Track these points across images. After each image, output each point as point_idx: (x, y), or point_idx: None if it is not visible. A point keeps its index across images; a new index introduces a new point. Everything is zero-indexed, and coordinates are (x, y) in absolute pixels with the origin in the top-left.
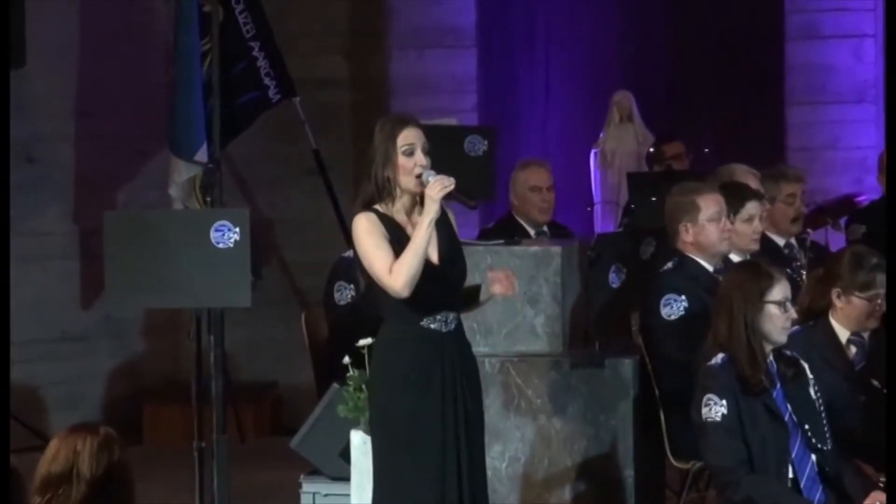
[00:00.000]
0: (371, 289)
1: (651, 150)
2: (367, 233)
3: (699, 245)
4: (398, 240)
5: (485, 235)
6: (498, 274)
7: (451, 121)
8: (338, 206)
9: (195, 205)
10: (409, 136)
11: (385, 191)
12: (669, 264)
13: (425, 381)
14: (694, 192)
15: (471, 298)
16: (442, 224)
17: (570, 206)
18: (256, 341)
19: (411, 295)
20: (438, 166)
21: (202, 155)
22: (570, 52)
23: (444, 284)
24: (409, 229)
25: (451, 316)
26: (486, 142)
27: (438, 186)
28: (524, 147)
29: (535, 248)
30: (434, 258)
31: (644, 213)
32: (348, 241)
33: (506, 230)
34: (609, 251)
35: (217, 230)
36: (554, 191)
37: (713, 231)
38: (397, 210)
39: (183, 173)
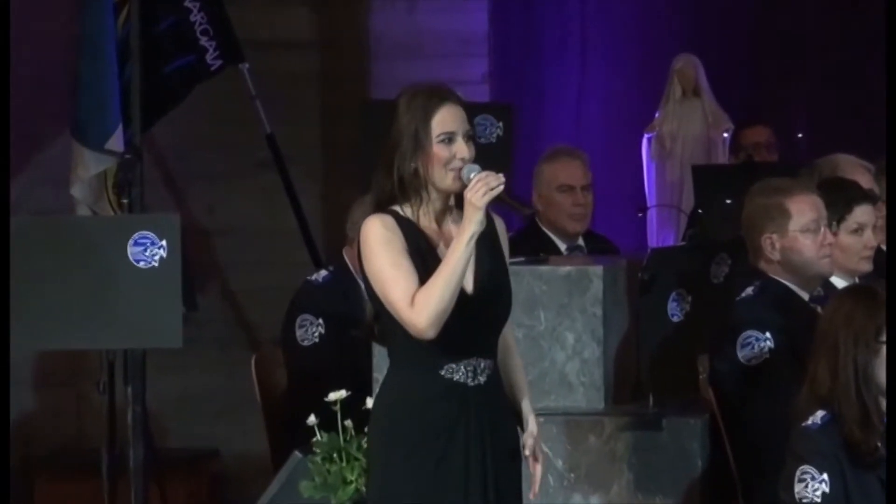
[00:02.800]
0: (380, 319)
1: (725, 134)
2: (381, 243)
3: (790, 264)
4: (421, 255)
5: None
6: (537, 452)
7: None
8: (300, 212)
9: (107, 209)
10: (447, 118)
11: (411, 189)
12: (749, 290)
13: (442, 451)
14: (782, 192)
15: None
16: (484, 238)
17: (614, 211)
18: (190, 395)
19: None
20: None
21: (116, 142)
22: (615, 3)
23: (478, 321)
24: (437, 242)
25: (484, 364)
26: (500, 124)
27: (482, 188)
28: (552, 131)
29: (567, 269)
30: (468, 285)
31: (715, 221)
32: (315, 259)
33: (528, 243)
34: (668, 272)
35: (137, 244)
36: (592, 191)
37: (809, 245)
38: (424, 214)
39: (90, 167)
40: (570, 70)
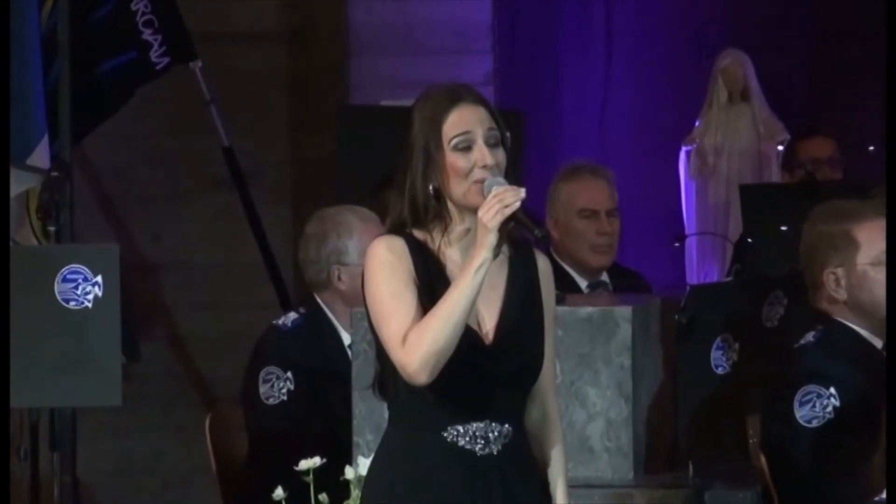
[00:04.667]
0: (381, 360)
1: (780, 147)
2: (384, 269)
3: (858, 304)
4: (432, 288)
5: None
6: None
7: None
8: (265, 241)
9: (29, 238)
10: (461, 119)
11: (430, 212)
12: (810, 336)
13: None
14: (850, 217)
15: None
16: (520, 279)
17: (646, 240)
18: (130, 463)
19: (434, 387)
20: None
21: (41, 157)
22: None
23: (494, 377)
24: (456, 275)
25: (499, 430)
26: (507, 134)
27: (496, 206)
28: (570, 143)
29: (588, 311)
30: (486, 329)
31: (768, 252)
32: (283, 299)
33: None
34: (711, 314)
35: (66, 280)
36: (619, 216)
37: (882, 281)
38: (446, 241)
39: (11, 186)
40: (593, 69)
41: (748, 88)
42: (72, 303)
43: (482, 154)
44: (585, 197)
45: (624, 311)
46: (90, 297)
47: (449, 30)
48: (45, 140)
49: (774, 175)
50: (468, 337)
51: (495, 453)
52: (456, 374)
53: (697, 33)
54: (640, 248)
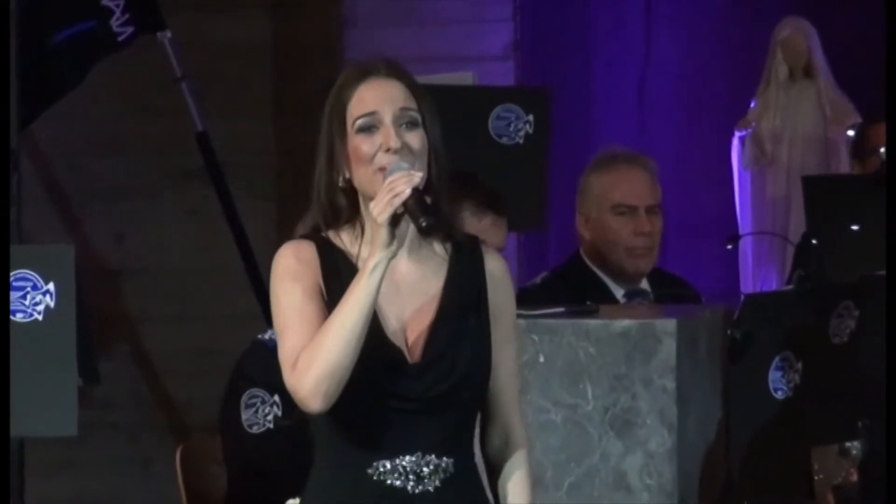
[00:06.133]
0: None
1: (850, 133)
2: (286, 280)
3: None
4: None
5: (531, 297)
6: None
7: (466, 78)
8: (245, 242)
9: None
10: (368, 97)
11: (343, 210)
12: None
13: None
14: None
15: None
16: (458, 280)
17: (693, 242)
18: (89, 501)
19: (352, 415)
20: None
21: None
22: None
23: (420, 400)
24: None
25: (436, 464)
26: (529, 117)
27: (385, 197)
28: (604, 128)
29: (625, 324)
30: (410, 343)
31: (836, 255)
32: (266, 310)
33: (569, 287)
34: (769, 329)
35: (14, 287)
36: (661, 213)
37: None
38: (366, 244)
39: None
40: (630, 40)
41: (812, 63)
42: (19, 314)
43: (387, 135)
44: (622, 191)
45: (667, 325)
46: (41, 307)
47: None
48: None
49: (843, 165)
50: (388, 354)
51: (432, 490)
52: (375, 399)
53: (748, 2)
54: (686, 250)
